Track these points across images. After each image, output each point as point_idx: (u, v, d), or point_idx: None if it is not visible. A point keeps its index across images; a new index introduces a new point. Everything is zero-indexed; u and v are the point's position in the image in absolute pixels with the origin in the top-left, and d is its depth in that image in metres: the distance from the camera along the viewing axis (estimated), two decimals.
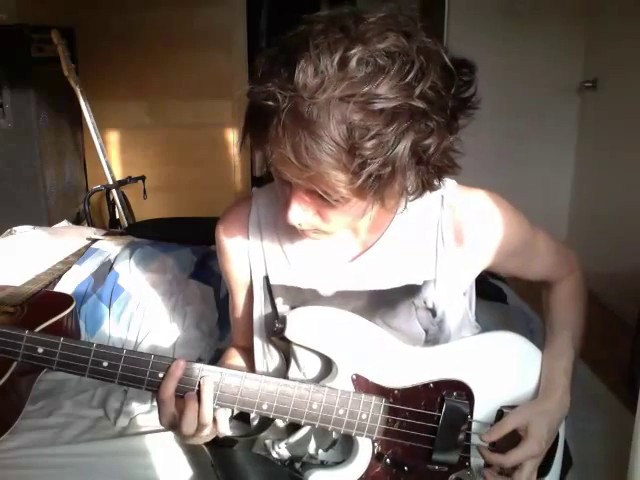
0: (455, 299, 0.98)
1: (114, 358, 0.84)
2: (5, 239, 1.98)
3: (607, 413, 1.35)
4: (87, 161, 3.44)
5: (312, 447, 0.97)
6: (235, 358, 1.08)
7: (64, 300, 1.54)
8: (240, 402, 0.87)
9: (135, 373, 0.85)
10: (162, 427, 1.21)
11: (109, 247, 1.83)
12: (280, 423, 0.99)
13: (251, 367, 1.03)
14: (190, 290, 1.68)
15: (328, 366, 0.91)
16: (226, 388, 0.86)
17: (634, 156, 2.80)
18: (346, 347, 0.90)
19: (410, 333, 0.95)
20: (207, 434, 0.88)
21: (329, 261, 0.96)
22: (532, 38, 3.24)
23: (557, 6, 3.22)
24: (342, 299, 0.95)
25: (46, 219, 2.87)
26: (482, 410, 0.95)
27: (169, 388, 0.85)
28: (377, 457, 0.91)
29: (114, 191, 3.06)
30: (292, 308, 0.96)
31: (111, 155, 3.39)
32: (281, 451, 0.98)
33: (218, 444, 0.95)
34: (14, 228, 2.06)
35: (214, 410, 0.86)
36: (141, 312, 1.63)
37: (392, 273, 0.95)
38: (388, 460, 0.91)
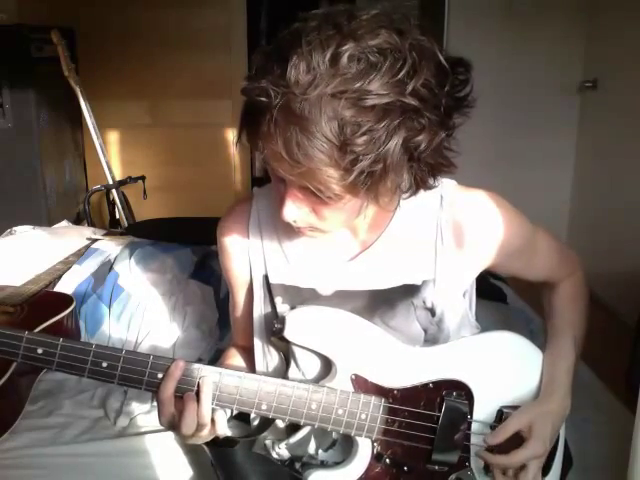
0: (454, 299, 0.98)
1: (113, 359, 0.84)
2: (5, 239, 1.98)
3: (607, 413, 1.35)
4: (87, 161, 3.45)
5: (312, 447, 0.97)
6: (234, 358, 1.08)
7: (64, 300, 1.54)
8: (239, 402, 0.87)
9: (134, 374, 0.85)
10: (162, 427, 1.21)
11: (109, 247, 1.83)
12: (280, 424, 0.99)
13: (251, 367, 1.03)
14: (190, 290, 1.68)
15: (327, 366, 0.91)
16: (225, 388, 0.86)
17: (634, 156, 2.80)
18: (345, 347, 0.90)
19: (409, 333, 0.95)
20: (206, 434, 0.88)
21: (328, 260, 0.96)
22: (532, 38, 3.24)
23: (557, 6, 3.21)
24: (341, 299, 0.95)
25: (46, 219, 2.86)
26: (482, 410, 0.94)
27: (168, 388, 0.85)
28: (377, 457, 0.91)
29: (114, 191, 3.06)
30: (291, 307, 0.96)
31: (111, 155, 3.40)
32: (281, 451, 0.98)
33: (218, 444, 0.95)
34: (14, 228, 2.05)
35: (213, 411, 0.86)
36: (141, 312, 1.63)
37: (391, 273, 0.95)
38: (388, 460, 0.91)
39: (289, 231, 0.93)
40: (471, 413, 0.93)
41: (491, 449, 0.93)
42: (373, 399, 0.90)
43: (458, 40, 3.09)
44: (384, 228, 0.95)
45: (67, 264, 1.75)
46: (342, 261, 0.96)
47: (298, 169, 0.74)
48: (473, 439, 0.94)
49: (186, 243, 1.83)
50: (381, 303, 0.95)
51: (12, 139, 2.81)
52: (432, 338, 0.96)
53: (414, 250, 0.95)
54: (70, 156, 3.29)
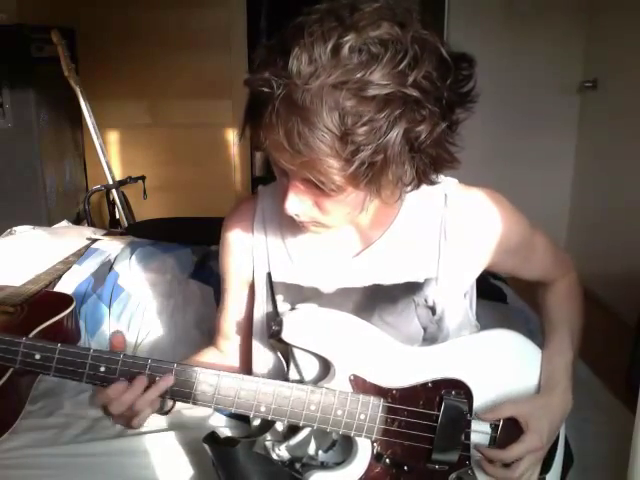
0: (456, 298, 0.98)
1: (111, 362, 0.84)
2: (5, 239, 1.98)
3: (607, 413, 1.35)
4: (87, 161, 3.45)
5: (312, 448, 0.97)
6: (206, 356, 1.08)
7: (64, 300, 1.53)
8: (237, 404, 0.87)
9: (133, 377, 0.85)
10: (162, 427, 1.21)
11: (109, 247, 1.83)
12: (279, 427, 0.99)
13: (227, 370, 1.03)
14: (190, 290, 1.68)
15: (326, 367, 0.91)
16: (223, 390, 0.86)
17: (634, 156, 2.80)
18: (343, 348, 0.90)
19: (407, 330, 0.95)
20: (127, 420, 0.87)
21: (332, 258, 0.96)
22: (532, 38, 3.24)
23: (557, 6, 3.21)
24: (343, 296, 0.95)
25: (46, 219, 2.86)
26: (481, 409, 0.94)
27: (145, 395, 0.84)
28: (376, 457, 0.91)
29: (114, 191, 3.06)
30: (292, 306, 0.96)
31: (111, 155, 3.39)
32: (281, 452, 0.98)
33: (219, 443, 0.96)
34: (14, 228, 2.05)
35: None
36: (141, 312, 1.63)
37: (394, 270, 0.95)
38: (387, 460, 0.91)
39: (293, 229, 0.93)
40: (470, 412, 0.93)
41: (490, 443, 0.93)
42: (372, 399, 0.90)
43: (458, 40, 3.07)
44: (388, 225, 0.95)
45: (67, 264, 1.75)
46: (345, 258, 0.96)
47: (299, 159, 0.75)
48: (473, 437, 0.94)
49: (186, 243, 1.83)
50: (382, 299, 0.95)
51: (12, 139, 2.81)
52: (431, 337, 0.96)
53: (418, 248, 0.95)
54: (70, 156, 3.29)
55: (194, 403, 0.87)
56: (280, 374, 0.96)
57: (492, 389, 0.95)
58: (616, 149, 3.00)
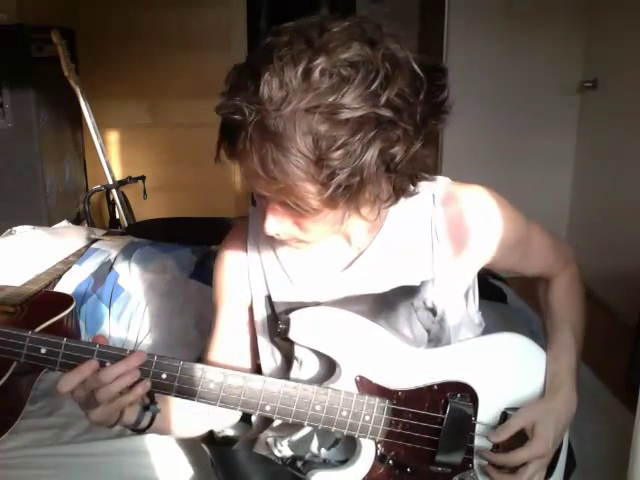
0: (455, 297, 0.98)
1: (116, 358, 0.84)
2: (5, 239, 1.97)
3: (607, 413, 1.35)
4: (87, 161, 3.44)
5: (314, 445, 0.97)
6: None
7: (64, 300, 1.53)
8: (243, 403, 0.87)
9: None
10: None
11: (109, 247, 1.83)
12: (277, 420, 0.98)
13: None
14: (190, 290, 1.68)
15: (331, 367, 0.91)
16: (229, 389, 0.86)
17: (634, 156, 2.80)
18: (350, 348, 0.90)
19: (413, 334, 0.95)
20: (103, 406, 0.83)
21: (327, 270, 0.96)
22: (532, 38, 3.24)
23: (557, 6, 3.21)
24: (344, 305, 0.95)
25: (46, 219, 2.86)
26: (486, 412, 0.94)
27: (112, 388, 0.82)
28: (380, 458, 0.91)
29: (114, 191, 3.05)
30: None
31: (111, 155, 3.39)
32: (283, 449, 0.98)
33: (218, 443, 0.95)
34: (14, 228, 2.05)
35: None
36: (141, 312, 1.63)
37: (388, 276, 0.95)
38: (391, 461, 0.91)
39: (284, 245, 0.93)
40: (475, 415, 0.93)
41: (494, 447, 0.93)
42: (377, 401, 0.89)
43: (458, 40, 3.08)
44: (377, 231, 0.94)
45: (67, 264, 1.75)
46: (340, 269, 0.96)
47: (275, 186, 0.74)
48: (477, 441, 0.94)
49: (186, 243, 1.83)
50: (383, 307, 0.95)
51: (12, 139, 2.81)
52: (435, 338, 0.96)
53: (410, 251, 0.95)
54: (70, 156, 3.29)
55: (199, 401, 0.86)
56: (283, 374, 0.96)
57: (497, 392, 0.95)
58: (616, 149, 3.00)
